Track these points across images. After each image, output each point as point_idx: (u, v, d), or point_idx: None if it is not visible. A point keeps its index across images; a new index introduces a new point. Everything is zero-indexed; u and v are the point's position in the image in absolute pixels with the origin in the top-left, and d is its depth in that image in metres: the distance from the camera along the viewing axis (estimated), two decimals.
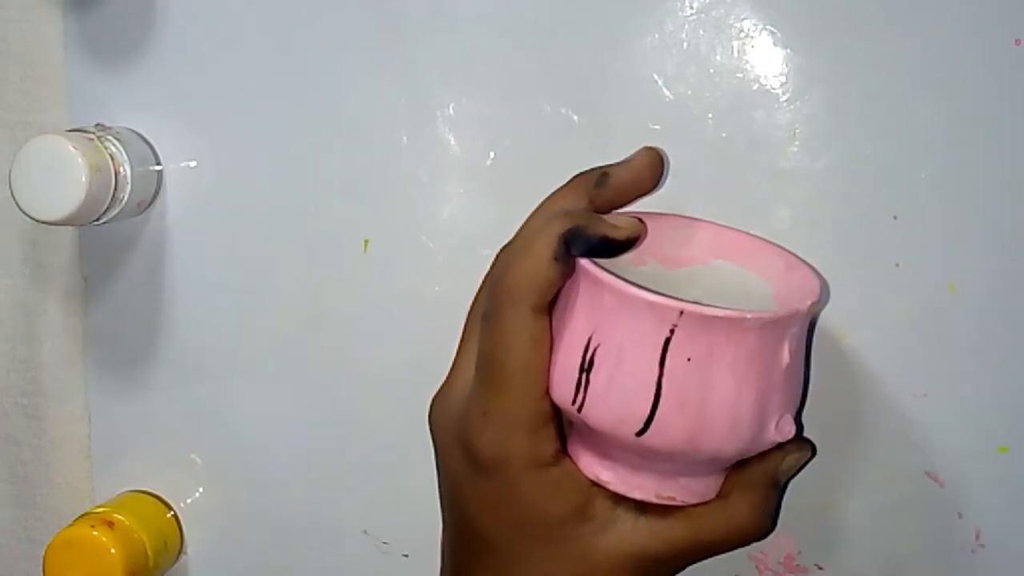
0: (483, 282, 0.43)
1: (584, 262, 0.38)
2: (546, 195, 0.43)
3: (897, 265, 0.46)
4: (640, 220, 0.40)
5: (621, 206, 0.42)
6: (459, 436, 0.40)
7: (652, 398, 0.37)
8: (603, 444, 0.39)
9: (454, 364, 0.42)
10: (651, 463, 0.39)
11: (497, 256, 0.42)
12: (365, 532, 0.53)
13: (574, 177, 0.42)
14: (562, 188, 0.42)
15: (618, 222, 0.39)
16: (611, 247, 0.39)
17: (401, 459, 0.52)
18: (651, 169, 0.42)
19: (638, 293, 0.36)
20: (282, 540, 0.55)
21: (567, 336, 0.38)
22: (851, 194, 0.46)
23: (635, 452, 0.38)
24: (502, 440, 0.38)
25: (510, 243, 0.42)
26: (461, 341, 0.42)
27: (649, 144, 0.44)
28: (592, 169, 0.42)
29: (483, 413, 0.39)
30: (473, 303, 0.43)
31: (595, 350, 0.37)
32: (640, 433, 0.37)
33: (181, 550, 0.56)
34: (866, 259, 0.46)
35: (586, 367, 0.38)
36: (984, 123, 0.44)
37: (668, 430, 0.37)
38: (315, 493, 0.54)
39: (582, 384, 0.38)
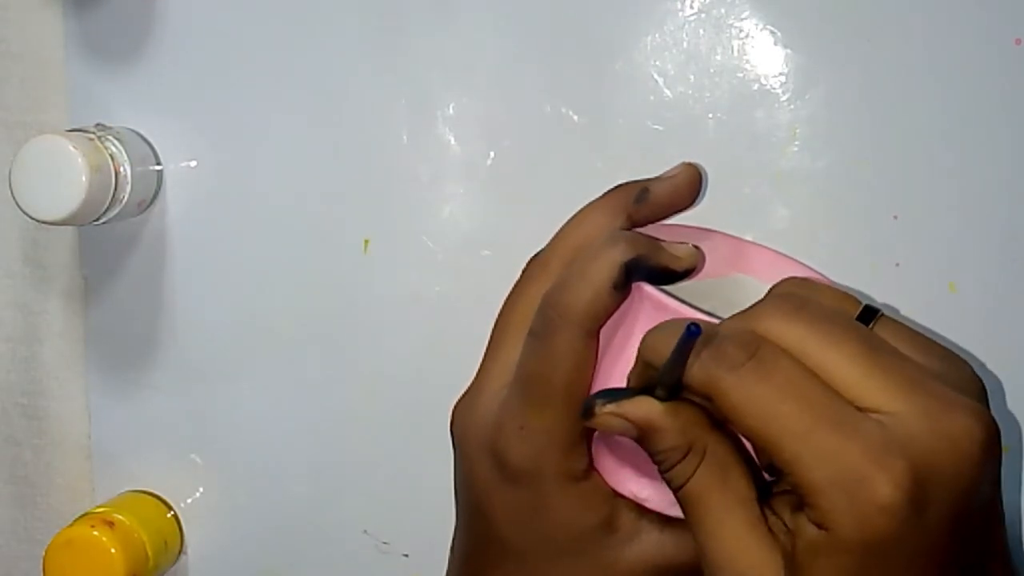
0: (512, 292, 0.42)
1: (645, 285, 0.38)
2: (546, 195, 0.43)
3: (897, 265, 0.46)
4: (696, 248, 0.40)
5: (658, 221, 0.43)
6: (490, 446, 0.40)
7: None
8: (645, 462, 0.39)
9: (481, 371, 0.42)
10: None
11: (528, 265, 0.42)
12: (365, 532, 0.53)
13: (613, 189, 0.42)
14: (600, 199, 0.42)
15: (678, 251, 0.39)
16: (669, 276, 0.39)
17: (401, 459, 0.52)
18: (691, 186, 0.43)
19: (706, 320, 0.36)
20: (282, 540, 0.55)
21: (622, 358, 0.38)
22: (851, 194, 0.46)
23: None
24: (537, 455, 0.38)
25: (543, 254, 0.42)
26: (489, 350, 0.42)
27: (648, 144, 0.44)
28: (632, 182, 0.42)
29: (520, 427, 0.39)
30: (501, 312, 0.42)
31: None
32: None
33: (181, 550, 0.56)
34: (866, 259, 0.46)
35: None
36: (984, 123, 0.44)
37: None
38: (315, 493, 0.54)
39: None
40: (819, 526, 0.30)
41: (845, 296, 0.35)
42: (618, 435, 0.34)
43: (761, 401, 0.30)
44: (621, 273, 0.37)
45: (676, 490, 0.33)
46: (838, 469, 0.29)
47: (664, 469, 0.33)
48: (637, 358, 0.34)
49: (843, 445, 0.29)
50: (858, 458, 0.29)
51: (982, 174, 0.45)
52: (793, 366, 0.31)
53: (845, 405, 0.30)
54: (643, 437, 0.33)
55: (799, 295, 0.34)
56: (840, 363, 0.31)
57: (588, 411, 0.34)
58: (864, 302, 0.35)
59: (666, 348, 0.32)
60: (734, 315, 0.34)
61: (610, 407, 0.34)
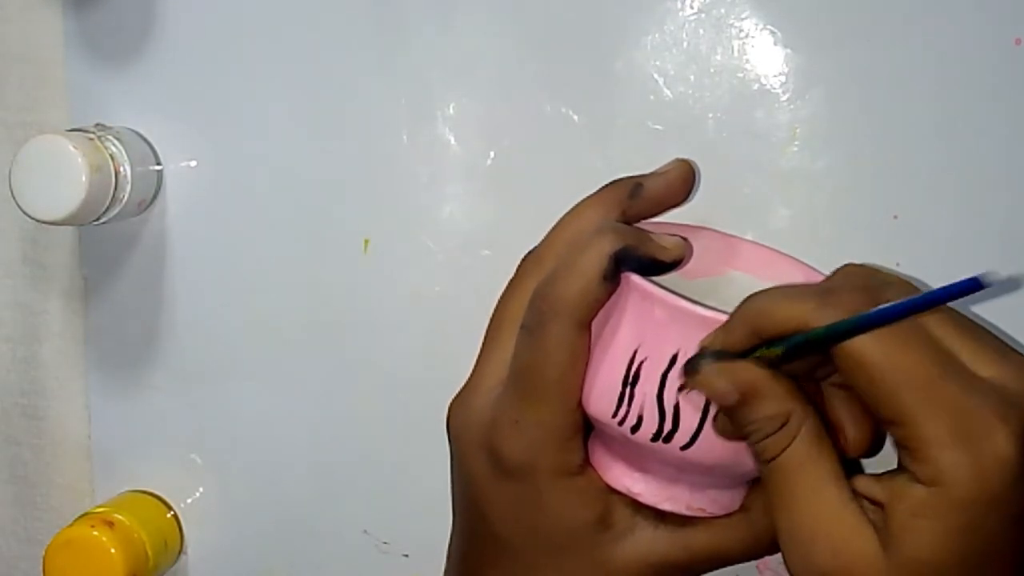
0: (507, 289, 0.42)
1: (632, 276, 0.38)
2: (546, 195, 0.43)
3: (897, 265, 0.46)
4: (684, 239, 0.40)
5: (652, 217, 0.42)
6: (485, 441, 0.40)
7: (700, 412, 0.36)
8: (638, 456, 0.39)
9: (477, 368, 0.42)
10: (687, 476, 0.39)
11: (522, 262, 0.42)
12: (365, 532, 0.53)
13: (606, 185, 0.42)
14: (594, 196, 0.42)
15: (665, 242, 0.39)
16: (658, 267, 0.39)
17: (401, 459, 0.52)
18: (684, 181, 0.43)
19: (691, 307, 0.36)
20: (282, 540, 0.55)
21: (611, 349, 0.38)
22: (851, 194, 0.46)
23: (673, 465, 0.38)
24: (532, 449, 0.38)
25: (536, 250, 0.42)
26: (484, 346, 0.42)
27: (648, 144, 0.44)
28: (625, 178, 0.42)
29: (515, 421, 0.39)
30: (496, 309, 0.42)
31: (641, 363, 0.37)
32: (686, 447, 0.37)
33: (181, 550, 0.56)
34: (866, 259, 0.46)
35: (630, 380, 0.37)
36: (984, 123, 0.44)
37: (714, 444, 0.37)
38: (315, 493, 0.54)
39: (625, 397, 0.37)
40: (928, 483, 0.29)
41: (907, 284, 0.35)
42: (716, 398, 0.34)
43: (886, 348, 0.30)
44: (610, 263, 0.37)
45: (767, 461, 0.33)
46: (961, 420, 0.29)
47: (757, 439, 0.33)
48: (736, 324, 0.34)
49: (965, 397, 0.29)
50: (981, 410, 0.29)
51: (982, 174, 0.45)
52: (912, 323, 0.31)
53: (961, 363, 0.30)
54: (743, 402, 0.33)
55: (873, 285, 0.34)
56: (938, 336, 0.31)
57: (693, 368, 0.34)
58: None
59: (786, 315, 0.32)
60: None
61: (717, 366, 0.33)
